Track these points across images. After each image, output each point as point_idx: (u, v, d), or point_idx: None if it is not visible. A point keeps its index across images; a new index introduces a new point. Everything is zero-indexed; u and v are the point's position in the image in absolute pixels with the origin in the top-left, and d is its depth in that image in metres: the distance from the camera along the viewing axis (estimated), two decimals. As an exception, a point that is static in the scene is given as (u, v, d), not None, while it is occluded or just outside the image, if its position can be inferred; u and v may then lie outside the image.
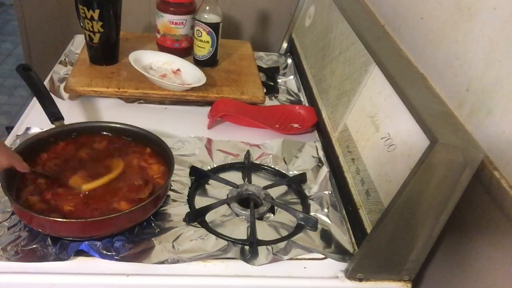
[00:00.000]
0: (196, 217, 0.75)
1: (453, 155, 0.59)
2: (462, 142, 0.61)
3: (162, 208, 0.75)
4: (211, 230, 0.73)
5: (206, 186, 0.84)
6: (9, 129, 0.93)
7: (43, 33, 1.57)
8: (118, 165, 0.78)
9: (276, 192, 0.84)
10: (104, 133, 0.84)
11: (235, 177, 0.86)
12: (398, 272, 0.69)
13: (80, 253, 0.67)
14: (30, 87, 0.89)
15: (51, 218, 0.65)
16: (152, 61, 1.12)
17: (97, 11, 1.02)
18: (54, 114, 0.85)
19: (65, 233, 0.67)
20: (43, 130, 0.82)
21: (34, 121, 0.92)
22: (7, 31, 3.27)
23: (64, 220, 0.67)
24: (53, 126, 0.83)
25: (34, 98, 1.02)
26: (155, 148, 0.81)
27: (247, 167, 0.88)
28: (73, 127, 0.83)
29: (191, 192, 0.81)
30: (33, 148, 0.78)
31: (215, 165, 0.88)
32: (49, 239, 0.67)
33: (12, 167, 0.67)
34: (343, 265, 0.70)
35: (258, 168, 0.90)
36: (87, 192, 0.73)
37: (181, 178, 0.82)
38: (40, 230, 0.67)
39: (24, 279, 0.64)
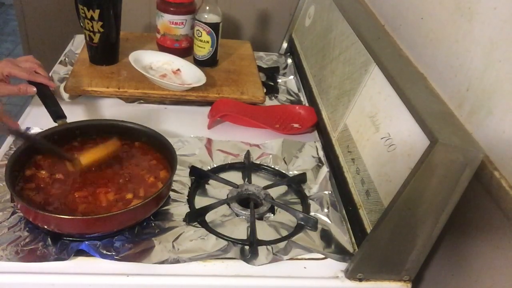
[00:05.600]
0: (196, 217, 0.75)
1: (453, 155, 0.59)
2: (462, 142, 0.61)
3: (162, 208, 0.75)
4: (211, 230, 0.73)
5: (206, 186, 0.84)
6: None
7: (43, 33, 1.57)
8: (114, 143, 0.78)
9: (276, 192, 0.84)
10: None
11: (235, 177, 0.86)
12: (398, 272, 0.69)
13: (80, 253, 0.67)
14: (32, 85, 0.89)
15: (56, 215, 0.66)
16: (152, 61, 1.12)
17: (97, 11, 1.02)
18: (56, 112, 0.85)
19: (68, 229, 0.67)
20: (45, 129, 0.82)
21: (34, 121, 0.93)
22: (7, 31, 3.26)
23: (68, 217, 0.66)
24: (56, 124, 0.83)
25: (34, 98, 1.02)
26: (157, 146, 0.81)
27: (247, 167, 0.88)
28: (76, 125, 0.83)
29: (191, 192, 0.81)
30: (34, 148, 0.77)
31: (215, 165, 0.88)
32: (49, 239, 0.67)
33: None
34: (343, 265, 0.70)
35: (258, 168, 0.90)
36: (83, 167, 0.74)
37: (181, 178, 0.82)
38: (45, 227, 0.67)
39: (24, 279, 0.64)
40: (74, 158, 0.75)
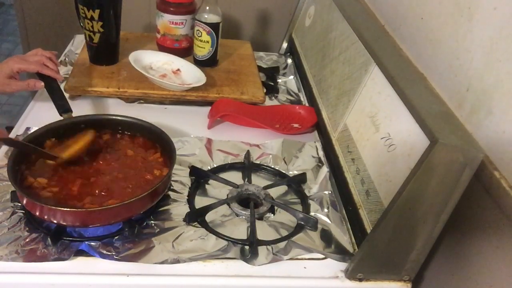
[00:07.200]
0: (196, 217, 0.75)
1: (453, 155, 0.59)
2: (462, 142, 0.61)
3: (162, 208, 0.75)
4: (211, 230, 0.73)
5: (206, 186, 0.84)
6: (9, 129, 0.93)
7: (43, 33, 1.57)
8: (89, 133, 0.80)
9: (276, 192, 0.84)
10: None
11: (235, 177, 0.86)
12: (398, 272, 0.69)
13: (80, 253, 0.67)
14: (41, 78, 0.92)
15: (57, 208, 0.66)
16: (152, 61, 1.12)
17: (97, 11, 1.03)
18: (63, 106, 0.87)
19: (63, 221, 0.68)
20: (51, 122, 0.82)
21: (34, 121, 0.92)
22: (7, 31, 3.27)
23: (68, 209, 0.67)
24: (62, 118, 0.84)
25: (34, 98, 1.02)
26: (158, 141, 0.82)
27: (247, 167, 0.88)
28: (82, 119, 0.84)
29: (191, 192, 0.81)
30: (42, 139, 0.79)
31: (215, 165, 0.88)
32: (49, 239, 0.67)
33: None
34: (343, 265, 0.70)
35: (258, 168, 0.90)
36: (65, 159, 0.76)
37: (181, 178, 0.82)
38: (52, 220, 0.67)
39: (24, 279, 0.64)
40: (57, 157, 0.76)
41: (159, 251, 0.68)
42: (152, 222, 0.73)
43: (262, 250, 0.71)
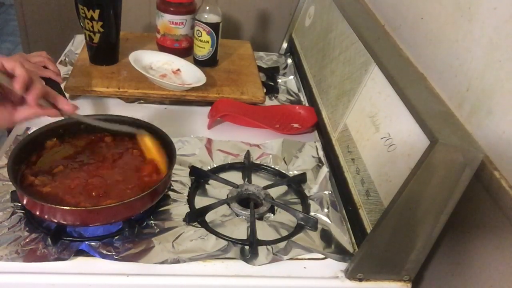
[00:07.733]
0: (196, 217, 0.75)
1: (453, 155, 0.59)
2: (462, 142, 0.61)
3: (162, 208, 0.75)
4: (211, 230, 0.73)
5: (206, 186, 0.84)
6: (9, 129, 0.93)
7: (43, 33, 1.57)
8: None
9: (276, 192, 0.84)
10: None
11: (235, 177, 0.86)
12: (398, 272, 0.69)
13: (80, 253, 0.67)
14: (42, 78, 0.91)
15: (58, 206, 0.66)
16: (152, 61, 1.12)
17: (97, 11, 1.02)
18: None
19: (70, 220, 0.68)
20: (52, 122, 0.82)
21: (34, 121, 0.92)
22: (7, 31, 3.26)
23: (68, 208, 0.67)
24: (62, 118, 0.84)
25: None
26: (159, 141, 0.82)
27: (247, 167, 0.88)
28: (82, 119, 0.84)
29: (191, 192, 0.81)
30: (41, 138, 0.79)
31: (215, 165, 0.88)
32: (49, 239, 0.67)
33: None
34: (343, 265, 0.70)
35: (258, 168, 0.90)
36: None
37: (181, 178, 0.82)
38: (52, 219, 0.67)
39: (24, 279, 0.64)
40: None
41: (159, 251, 0.68)
42: (152, 222, 0.73)
43: (262, 250, 0.71)
